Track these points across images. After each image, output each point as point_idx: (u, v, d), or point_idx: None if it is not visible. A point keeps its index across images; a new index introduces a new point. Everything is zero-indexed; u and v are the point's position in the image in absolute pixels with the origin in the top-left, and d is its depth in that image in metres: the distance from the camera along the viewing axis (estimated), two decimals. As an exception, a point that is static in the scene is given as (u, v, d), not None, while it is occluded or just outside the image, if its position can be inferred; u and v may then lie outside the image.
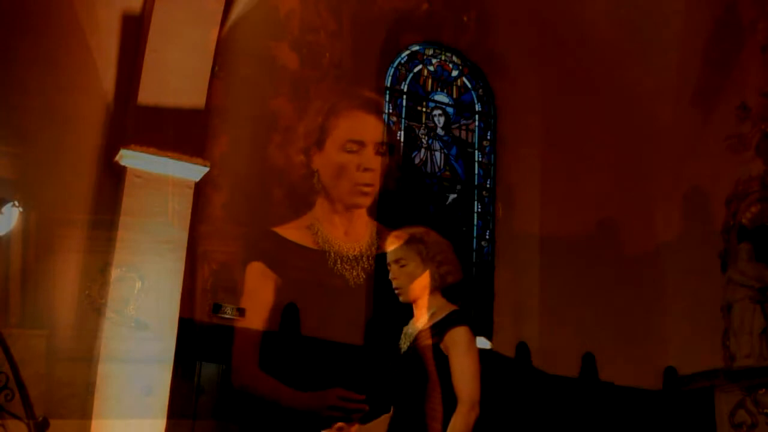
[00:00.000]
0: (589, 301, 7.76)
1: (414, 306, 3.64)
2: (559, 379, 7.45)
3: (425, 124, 8.13)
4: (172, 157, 5.80)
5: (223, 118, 6.67)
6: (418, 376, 3.44)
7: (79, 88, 5.92)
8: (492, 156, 8.30)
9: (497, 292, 7.83)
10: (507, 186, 8.16)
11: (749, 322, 7.16)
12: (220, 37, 6.24)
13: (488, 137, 8.35)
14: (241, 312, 6.44)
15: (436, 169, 8.10)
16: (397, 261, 3.62)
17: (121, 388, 5.35)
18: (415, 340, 3.53)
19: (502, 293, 7.82)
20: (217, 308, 6.37)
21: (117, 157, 5.76)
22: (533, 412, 7.13)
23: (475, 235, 8.03)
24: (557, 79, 8.21)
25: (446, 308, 3.55)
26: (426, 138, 8.10)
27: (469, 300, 7.66)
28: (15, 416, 4.61)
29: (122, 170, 5.76)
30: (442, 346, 3.43)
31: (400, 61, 8.13)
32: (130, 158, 5.74)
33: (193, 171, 5.90)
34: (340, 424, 3.56)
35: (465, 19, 8.28)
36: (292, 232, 6.63)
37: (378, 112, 7.38)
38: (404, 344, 3.60)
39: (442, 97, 8.32)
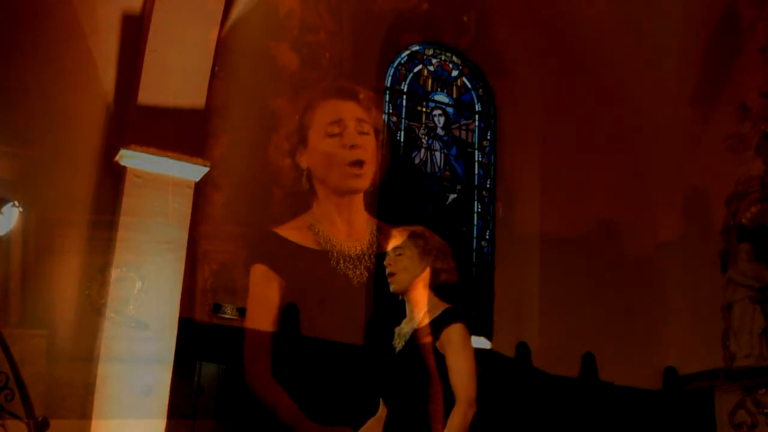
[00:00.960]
0: (589, 301, 7.76)
1: (406, 301, 3.64)
2: (559, 379, 7.45)
3: (425, 124, 8.13)
4: (172, 157, 5.80)
5: (223, 118, 6.66)
6: (416, 375, 3.43)
7: (79, 88, 5.91)
8: (492, 156, 8.30)
9: (497, 292, 7.83)
10: (507, 186, 8.16)
11: (749, 322, 7.16)
12: (220, 37, 6.23)
13: (488, 137, 8.35)
14: (241, 312, 6.44)
15: (436, 169, 8.11)
16: (395, 249, 3.63)
17: (121, 388, 5.35)
18: (411, 339, 3.53)
19: (502, 293, 7.83)
20: (217, 308, 6.37)
21: (117, 157, 5.76)
22: (533, 412, 7.13)
23: (475, 235, 8.03)
24: (557, 79, 8.21)
25: (440, 306, 3.56)
26: (426, 138, 8.10)
27: (469, 300, 7.67)
28: (15, 416, 4.61)
29: (122, 170, 5.76)
30: (438, 344, 3.43)
31: (400, 61, 8.14)
32: (130, 158, 5.74)
33: (193, 171, 5.90)
34: None
35: (465, 19, 8.28)
36: (293, 233, 6.61)
37: (353, 96, 7.32)
38: (398, 344, 3.60)
39: (442, 97, 8.32)
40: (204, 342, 6.19)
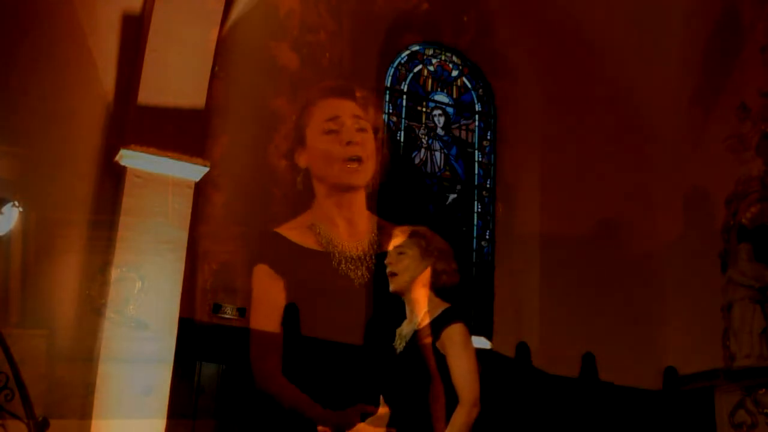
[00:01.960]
0: (589, 301, 7.76)
1: (406, 301, 3.63)
2: (559, 379, 7.45)
3: (425, 124, 8.13)
4: (172, 157, 5.81)
5: (223, 118, 6.66)
6: (418, 376, 3.43)
7: (79, 88, 5.92)
8: (492, 156, 8.30)
9: (497, 292, 7.83)
10: (507, 186, 8.16)
11: (749, 322, 7.15)
12: (220, 37, 6.24)
13: (488, 137, 8.35)
14: (242, 312, 6.44)
15: (436, 169, 8.10)
16: (396, 248, 3.63)
17: (121, 388, 5.35)
18: (412, 340, 3.52)
19: (502, 293, 7.82)
20: (217, 308, 6.37)
21: (117, 157, 5.76)
22: (533, 412, 7.13)
23: (475, 235, 8.03)
24: (557, 79, 8.21)
25: (439, 306, 3.56)
26: (426, 138, 8.10)
27: (469, 300, 7.67)
28: (15, 416, 4.61)
29: (122, 170, 5.76)
30: (438, 344, 3.43)
31: (400, 61, 8.14)
32: (130, 158, 5.74)
33: (193, 171, 5.90)
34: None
35: (465, 19, 8.28)
36: (294, 233, 6.61)
37: (350, 95, 7.32)
38: (399, 345, 3.60)
39: (442, 97, 8.32)
40: (204, 342, 6.19)
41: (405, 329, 3.62)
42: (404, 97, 8.07)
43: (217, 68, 6.31)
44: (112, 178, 5.83)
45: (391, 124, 7.84)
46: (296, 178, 6.82)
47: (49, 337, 5.44)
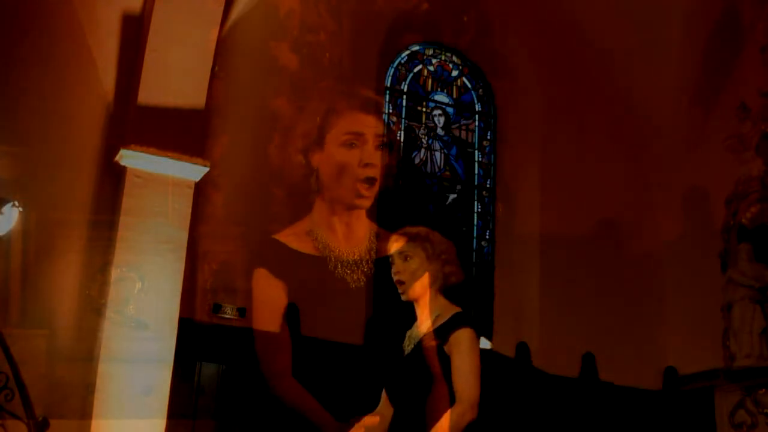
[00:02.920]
0: (589, 301, 7.76)
1: (415, 305, 3.62)
2: (559, 379, 7.45)
3: (425, 124, 8.13)
4: (172, 157, 5.80)
5: (223, 118, 6.66)
6: (424, 378, 3.43)
7: (79, 88, 5.91)
8: (492, 156, 8.30)
9: (497, 292, 7.83)
10: (507, 186, 8.16)
11: (749, 322, 7.15)
12: (220, 37, 6.23)
13: (488, 137, 8.35)
14: (242, 312, 6.44)
15: (436, 169, 8.10)
16: (401, 254, 3.60)
17: (121, 388, 5.35)
18: (420, 343, 3.52)
19: (502, 293, 7.82)
20: (217, 308, 6.37)
21: (117, 157, 5.76)
22: (533, 412, 7.13)
23: (475, 235, 8.03)
24: (557, 79, 8.21)
25: (450, 310, 3.54)
26: (426, 138, 8.10)
27: (469, 300, 7.66)
28: (15, 416, 4.61)
29: (122, 170, 5.76)
30: (446, 348, 3.42)
31: (400, 61, 8.13)
32: (130, 158, 5.74)
33: (193, 171, 5.90)
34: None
35: (465, 19, 8.28)
36: (292, 239, 6.62)
37: (377, 111, 7.38)
38: (408, 347, 3.59)
39: (442, 97, 8.32)
40: (204, 342, 6.19)
41: (414, 331, 3.61)
42: (404, 97, 8.07)
43: (217, 68, 6.30)
44: (112, 178, 5.83)
45: (391, 124, 7.84)
46: (309, 176, 6.82)
47: (49, 337, 5.44)
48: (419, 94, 8.18)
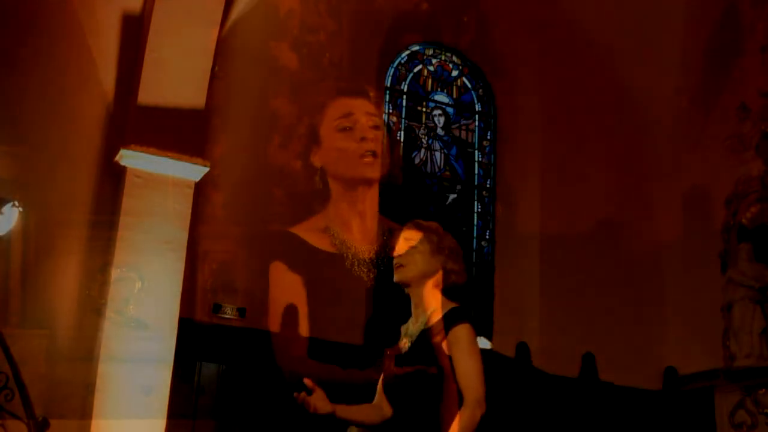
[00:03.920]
0: (589, 301, 7.76)
1: (412, 299, 3.60)
2: (559, 379, 7.45)
3: (425, 124, 8.13)
4: (172, 157, 5.81)
5: (223, 118, 6.66)
6: (426, 376, 3.41)
7: (79, 88, 5.92)
8: (492, 156, 8.30)
9: (497, 292, 7.83)
10: (507, 186, 8.16)
11: (749, 322, 7.15)
12: (220, 37, 6.23)
13: (488, 137, 8.35)
14: (242, 312, 6.44)
15: (436, 169, 8.10)
16: (407, 240, 3.59)
17: (121, 388, 5.35)
18: (419, 339, 3.51)
19: (502, 293, 7.82)
20: (217, 308, 6.37)
21: (117, 157, 5.76)
22: (533, 412, 7.12)
23: (475, 235, 8.03)
24: (557, 79, 8.21)
25: (446, 306, 3.53)
26: (426, 138, 8.10)
27: (469, 300, 7.66)
28: (15, 416, 4.61)
29: (122, 170, 5.76)
30: (444, 344, 3.41)
31: (400, 61, 8.13)
32: (130, 158, 5.74)
33: (193, 171, 5.90)
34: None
35: (465, 19, 8.28)
36: (308, 234, 6.62)
37: (362, 93, 7.33)
38: (405, 344, 3.58)
39: (442, 97, 8.32)
40: (204, 342, 6.19)
41: (411, 328, 3.59)
42: (404, 97, 8.07)
43: (217, 68, 6.30)
44: (112, 178, 5.83)
45: (391, 124, 7.84)
46: (313, 177, 6.81)
47: (49, 337, 5.44)
48: (419, 94, 8.18)
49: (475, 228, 8.05)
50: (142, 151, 5.73)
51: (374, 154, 6.80)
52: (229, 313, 6.40)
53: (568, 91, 8.20)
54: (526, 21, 8.26)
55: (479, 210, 8.12)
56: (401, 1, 7.89)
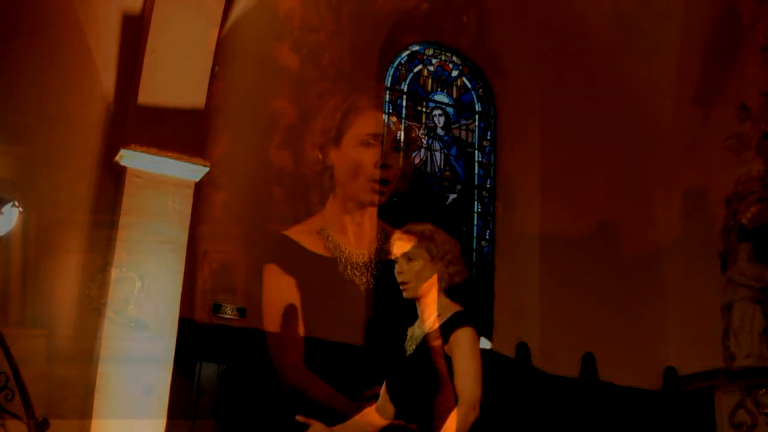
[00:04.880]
0: (589, 301, 7.76)
1: (417, 304, 3.61)
2: (559, 379, 7.45)
3: (425, 124, 8.13)
4: (172, 157, 5.80)
5: (223, 118, 6.66)
6: (427, 378, 3.42)
7: (79, 88, 5.91)
8: (492, 156, 8.30)
9: (497, 292, 7.83)
10: (507, 186, 8.16)
11: (749, 322, 7.15)
12: (220, 37, 6.23)
13: (488, 137, 8.35)
14: (241, 312, 6.44)
15: (436, 169, 8.11)
16: (404, 254, 3.59)
17: (121, 388, 5.35)
18: (423, 343, 3.51)
19: (502, 293, 7.82)
20: (217, 308, 6.37)
21: (117, 157, 5.75)
22: (533, 412, 7.13)
23: (475, 235, 8.03)
24: (557, 79, 8.21)
25: (450, 309, 3.53)
26: (426, 138, 8.10)
27: (469, 300, 7.66)
28: (15, 416, 4.61)
29: (122, 170, 5.76)
30: (446, 348, 3.41)
31: (400, 61, 8.14)
32: (130, 158, 5.73)
33: (193, 171, 5.89)
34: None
35: (465, 19, 8.28)
36: (303, 236, 6.59)
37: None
38: (410, 346, 3.58)
39: (442, 97, 8.32)
40: (204, 342, 6.19)
41: (417, 331, 3.60)
42: (404, 97, 8.07)
43: (217, 68, 6.30)
44: (112, 178, 5.83)
45: (391, 124, 7.84)
46: (324, 173, 6.79)
47: (49, 337, 5.44)
48: (419, 94, 8.19)
49: (475, 228, 8.05)
50: (142, 151, 5.72)
51: (387, 184, 6.78)
52: (229, 313, 6.40)
53: (568, 91, 8.20)
54: (526, 21, 8.26)
55: (479, 210, 8.12)
56: (401, 1, 7.89)
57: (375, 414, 3.63)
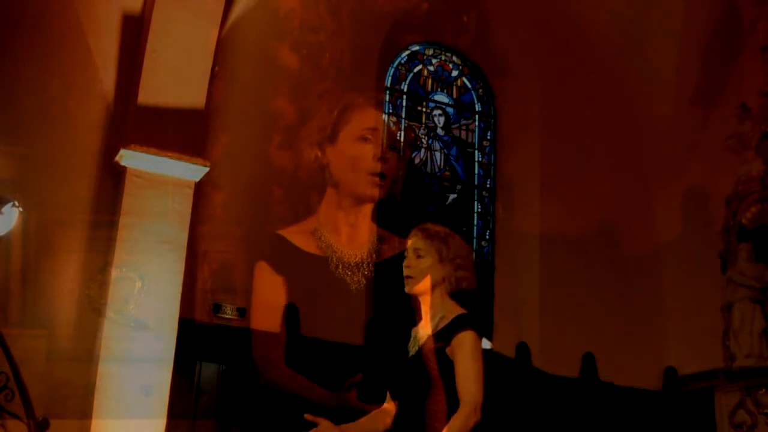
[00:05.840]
0: (589, 301, 7.77)
1: (421, 303, 3.61)
2: (559, 379, 7.46)
3: (425, 124, 8.13)
4: (172, 157, 5.80)
5: (223, 118, 6.66)
6: (425, 381, 3.42)
7: (79, 88, 5.92)
8: (492, 156, 8.30)
9: (497, 292, 7.82)
10: (507, 186, 8.16)
11: (749, 322, 7.15)
12: (220, 37, 6.24)
13: (488, 137, 8.35)
14: (242, 312, 6.44)
15: (436, 169, 8.10)
16: (415, 250, 3.59)
17: (121, 388, 5.35)
18: (425, 344, 3.51)
19: (502, 293, 7.82)
20: (217, 308, 6.37)
21: (117, 157, 5.76)
22: (533, 412, 7.13)
23: (475, 235, 8.03)
24: (557, 79, 8.21)
25: (454, 311, 3.53)
26: (426, 138, 8.10)
27: (469, 300, 7.66)
28: (15, 416, 4.62)
29: (122, 170, 5.76)
30: (448, 350, 3.41)
31: (400, 61, 8.14)
32: (130, 158, 5.74)
33: (193, 171, 5.90)
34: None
35: (465, 19, 8.28)
36: (296, 236, 6.62)
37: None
38: (413, 347, 3.58)
39: (442, 97, 8.32)
40: (204, 342, 6.20)
41: (420, 332, 3.60)
42: (404, 97, 8.07)
43: (217, 68, 6.30)
44: (112, 178, 5.83)
45: (391, 124, 7.84)
46: (322, 170, 6.80)
47: (49, 337, 5.44)
48: (419, 94, 8.19)
49: (475, 228, 8.05)
50: (142, 151, 5.73)
51: (384, 177, 6.79)
52: (229, 313, 6.40)
53: (568, 91, 8.20)
54: (526, 21, 8.26)
55: (479, 210, 8.12)
56: (401, 1, 7.89)
57: (382, 413, 3.63)
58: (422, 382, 3.43)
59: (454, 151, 8.24)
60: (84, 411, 5.33)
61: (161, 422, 5.41)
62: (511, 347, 7.48)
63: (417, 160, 8.00)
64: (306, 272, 6.75)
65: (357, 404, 6.04)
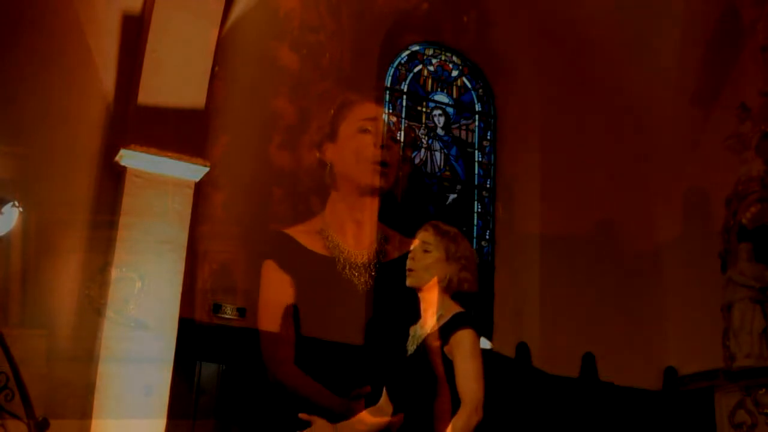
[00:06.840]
0: (589, 301, 7.76)
1: (420, 301, 3.61)
2: (559, 379, 7.45)
3: (425, 124, 8.13)
4: (172, 157, 5.80)
5: (223, 118, 6.66)
6: (426, 379, 3.42)
7: (79, 88, 5.91)
8: (492, 156, 8.30)
9: (497, 292, 7.83)
10: (507, 186, 8.16)
11: (749, 322, 7.15)
12: (220, 37, 6.23)
13: (488, 137, 8.36)
14: (241, 312, 6.44)
15: (436, 169, 8.11)
16: (423, 244, 3.60)
17: (121, 388, 5.35)
18: (424, 343, 3.51)
19: (502, 293, 7.82)
20: (217, 308, 6.37)
21: (117, 157, 5.76)
22: (533, 412, 7.13)
23: (475, 235, 8.03)
24: (557, 79, 8.21)
25: (452, 310, 3.54)
26: (426, 138, 8.10)
27: (469, 300, 7.65)
28: (15, 416, 4.61)
29: (122, 170, 5.76)
30: (446, 349, 3.41)
31: (400, 61, 8.14)
32: (130, 158, 5.74)
33: (193, 171, 5.90)
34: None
35: (465, 19, 8.28)
36: (303, 236, 6.60)
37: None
38: (411, 346, 3.58)
39: (442, 97, 8.32)
40: (204, 342, 6.19)
41: (419, 331, 3.60)
42: (404, 97, 8.07)
43: (217, 68, 6.30)
44: (112, 178, 5.83)
45: (391, 124, 7.84)
46: (323, 171, 6.78)
47: (49, 337, 5.44)
48: (419, 94, 8.19)
49: (475, 228, 8.05)
50: (142, 151, 5.73)
51: (388, 165, 6.77)
52: (229, 313, 6.40)
53: (568, 91, 8.20)
54: (526, 21, 8.26)
55: (479, 210, 8.12)
56: (401, 1, 7.89)
57: (374, 413, 3.63)
58: (423, 381, 3.43)
59: (454, 151, 8.24)
60: (84, 411, 5.33)
61: (161, 422, 5.41)
62: (511, 347, 7.47)
63: (417, 160, 8.00)
64: (308, 272, 6.74)
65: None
